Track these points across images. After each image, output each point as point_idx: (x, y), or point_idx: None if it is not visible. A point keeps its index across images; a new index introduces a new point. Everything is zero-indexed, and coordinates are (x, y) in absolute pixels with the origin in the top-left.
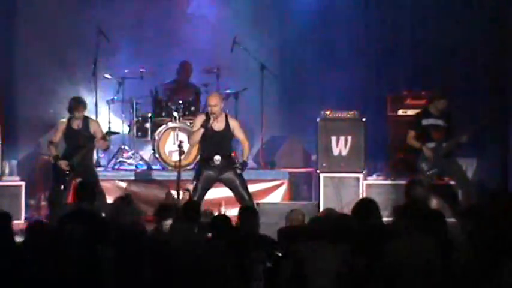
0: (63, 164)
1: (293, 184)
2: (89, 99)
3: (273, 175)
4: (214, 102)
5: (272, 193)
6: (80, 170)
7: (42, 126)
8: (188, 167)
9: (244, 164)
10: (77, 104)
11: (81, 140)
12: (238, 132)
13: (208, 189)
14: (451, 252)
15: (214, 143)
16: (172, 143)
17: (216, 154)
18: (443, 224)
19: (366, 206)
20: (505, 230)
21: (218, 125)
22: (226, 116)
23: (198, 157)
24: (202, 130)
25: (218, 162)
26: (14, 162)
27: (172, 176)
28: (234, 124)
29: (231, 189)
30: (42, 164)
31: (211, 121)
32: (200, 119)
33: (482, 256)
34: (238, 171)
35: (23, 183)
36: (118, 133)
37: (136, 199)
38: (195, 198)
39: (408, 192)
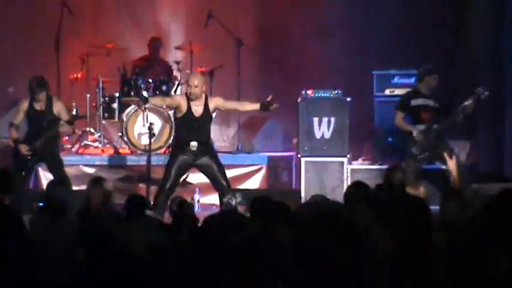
0: (23, 148)
1: (272, 169)
2: (51, 78)
3: (251, 160)
4: (196, 83)
5: (250, 179)
6: (43, 155)
7: (1, 105)
8: (159, 151)
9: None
10: (38, 84)
11: (44, 122)
12: (228, 105)
13: (182, 175)
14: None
15: (192, 129)
16: (141, 125)
17: (193, 140)
18: (423, 212)
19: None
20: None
21: (197, 110)
22: (206, 99)
23: (171, 140)
24: (176, 103)
25: (194, 148)
26: None
27: (142, 160)
28: (215, 103)
29: (207, 175)
30: (1, 147)
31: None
32: (181, 98)
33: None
34: (272, 107)
35: None
36: (84, 117)
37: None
38: (168, 186)
39: (387, 178)
